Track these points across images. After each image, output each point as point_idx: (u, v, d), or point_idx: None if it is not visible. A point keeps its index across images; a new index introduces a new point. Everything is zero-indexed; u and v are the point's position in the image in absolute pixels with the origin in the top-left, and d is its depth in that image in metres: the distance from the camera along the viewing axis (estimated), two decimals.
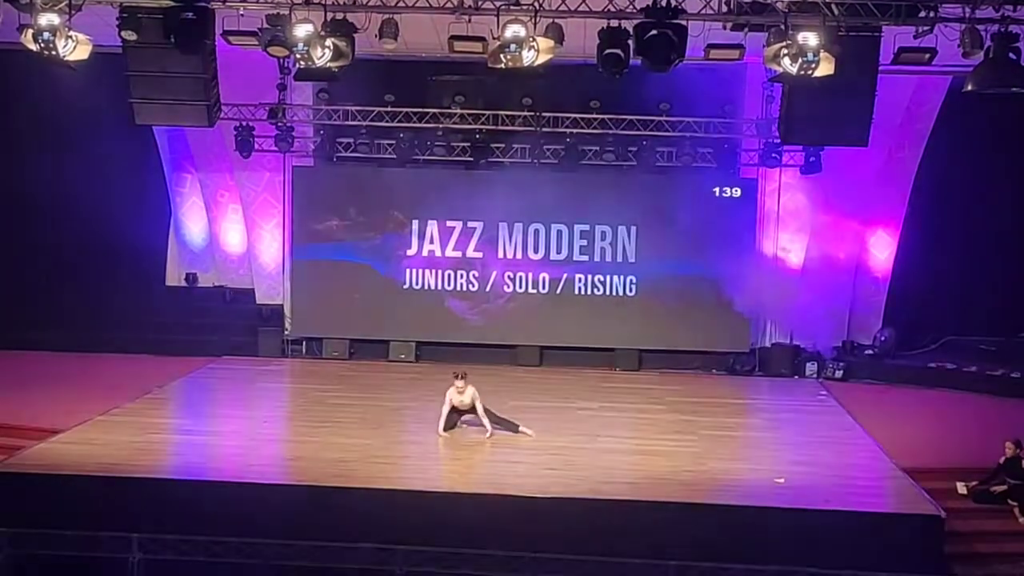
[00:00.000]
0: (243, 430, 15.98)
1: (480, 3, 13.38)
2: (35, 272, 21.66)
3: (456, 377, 15.08)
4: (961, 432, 16.67)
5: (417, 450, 14.71)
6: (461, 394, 15.03)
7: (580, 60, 15.08)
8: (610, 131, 19.85)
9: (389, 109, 20.05)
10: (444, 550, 11.74)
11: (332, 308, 21.14)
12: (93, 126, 20.07)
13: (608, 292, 20.95)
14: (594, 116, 19.80)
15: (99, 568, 11.82)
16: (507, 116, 19.86)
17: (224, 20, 14.37)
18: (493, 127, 20.00)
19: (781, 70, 12.92)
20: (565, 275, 21.00)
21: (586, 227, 20.81)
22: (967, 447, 15.58)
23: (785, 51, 12.67)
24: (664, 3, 12.81)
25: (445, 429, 15.08)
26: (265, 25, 13.79)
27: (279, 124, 20.19)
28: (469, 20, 13.70)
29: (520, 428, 15.21)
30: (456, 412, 15.17)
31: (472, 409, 15.07)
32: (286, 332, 21.58)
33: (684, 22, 12.90)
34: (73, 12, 12.93)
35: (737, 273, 20.43)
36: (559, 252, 20.96)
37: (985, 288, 20.62)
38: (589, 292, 21.00)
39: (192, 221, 22.48)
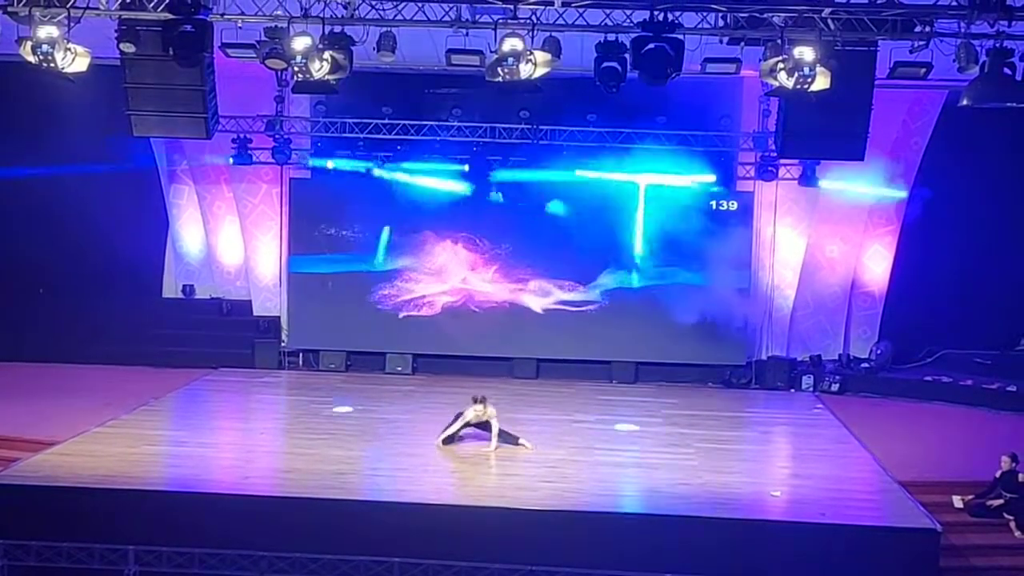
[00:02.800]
0: (240, 442, 16.01)
1: (478, 17, 13.43)
2: (32, 283, 21.65)
3: (476, 402, 15.07)
4: (957, 446, 16.69)
5: (413, 462, 14.68)
6: (480, 415, 15.06)
7: (577, 73, 15.14)
8: (607, 144, 19.90)
9: (387, 121, 20.11)
10: (441, 562, 11.75)
11: (329, 320, 21.11)
12: (91, 138, 20.07)
13: (604, 304, 20.93)
14: (591, 129, 19.86)
15: None
16: (504, 129, 19.91)
17: (222, 33, 14.41)
18: (490, 140, 20.05)
19: (777, 84, 12.98)
20: (562, 287, 20.98)
21: (583, 239, 20.79)
22: (963, 461, 15.59)
23: (781, 65, 12.73)
24: (661, 17, 12.86)
25: (444, 443, 15.08)
26: (263, 38, 13.85)
27: (276, 136, 20.24)
28: (467, 34, 13.76)
29: (520, 440, 15.21)
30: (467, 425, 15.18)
31: (485, 423, 15.09)
32: (283, 344, 21.58)
33: (681, 36, 12.95)
34: (72, 24, 12.96)
35: (733, 286, 20.47)
36: (556, 264, 20.94)
37: (981, 302, 20.64)
38: (585, 304, 20.99)
39: (189, 233, 22.45)
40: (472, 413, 15.06)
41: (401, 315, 21.01)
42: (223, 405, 18.72)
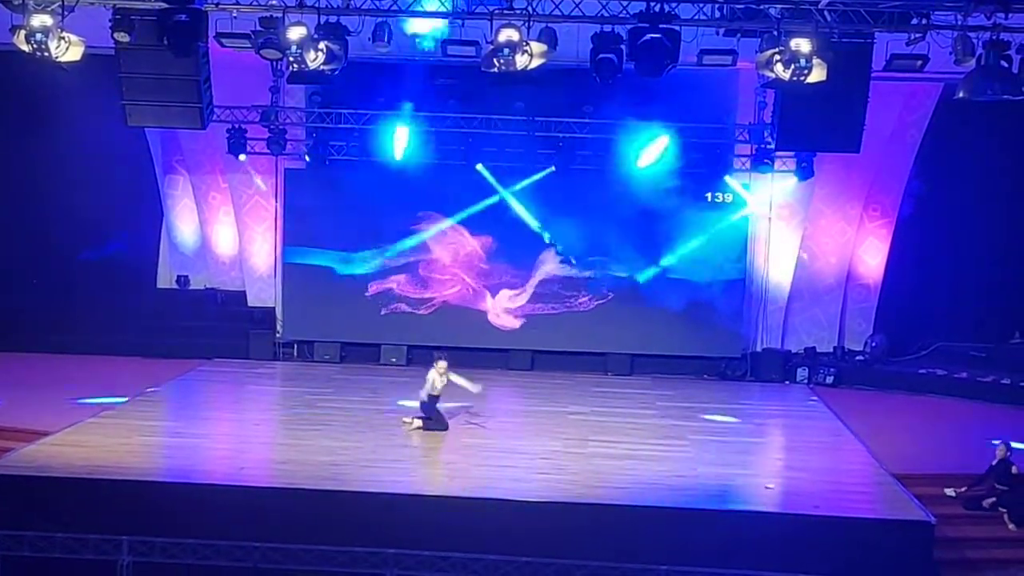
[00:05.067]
0: (234, 433, 15.99)
1: (474, 8, 13.40)
2: (26, 273, 21.62)
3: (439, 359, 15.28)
4: (952, 439, 16.72)
5: (408, 453, 14.70)
6: (442, 375, 15.18)
7: (573, 64, 15.10)
8: (602, 135, 19.86)
9: (382, 112, 20.04)
10: (435, 553, 11.73)
11: (324, 311, 21.09)
12: (85, 128, 20.03)
13: (599, 296, 20.92)
14: (587, 121, 19.82)
15: (88, 570, 11.78)
16: (500, 120, 19.86)
17: (217, 22, 14.33)
18: (486, 131, 20.01)
19: (773, 76, 12.94)
20: (556, 279, 20.98)
21: (578, 231, 20.76)
22: (958, 454, 15.63)
23: (778, 57, 12.70)
24: (657, 8, 12.83)
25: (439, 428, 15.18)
26: (258, 28, 13.79)
27: (271, 126, 20.18)
28: (462, 24, 13.72)
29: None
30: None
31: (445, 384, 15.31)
32: (278, 335, 21.54)
33: (677, 27, 12.93)
34: (66, 13, 12.90)
35: (729, 278, 20.47)
36: (551, 256, 20.92)
37: (975, 295, 20.69)
38: (580, 296, 20.97)
39: (184, 223, 22.43)
40: (435, 373, 15.20)
41: (390, 307, 20.98)
42: (217, 396, 18.69)
